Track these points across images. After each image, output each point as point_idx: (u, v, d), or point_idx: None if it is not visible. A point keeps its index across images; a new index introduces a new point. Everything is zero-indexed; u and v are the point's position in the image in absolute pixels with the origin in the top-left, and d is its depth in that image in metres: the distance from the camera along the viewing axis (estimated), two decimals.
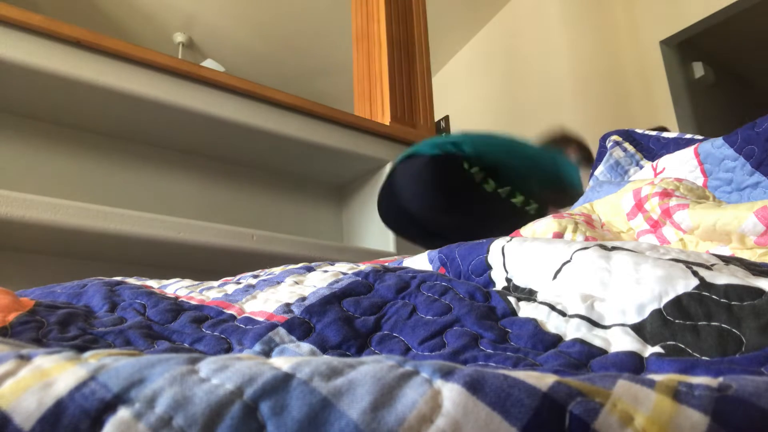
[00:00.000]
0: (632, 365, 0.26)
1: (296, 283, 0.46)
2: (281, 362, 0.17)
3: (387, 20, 1.85)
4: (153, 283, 0.54)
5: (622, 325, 0.30)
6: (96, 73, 1.21)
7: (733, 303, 0.27)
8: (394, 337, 0.34)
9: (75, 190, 1.31)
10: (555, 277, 0.36)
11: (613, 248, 0.36)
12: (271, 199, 1.67)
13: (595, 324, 0.31)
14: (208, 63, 3.12)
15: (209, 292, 0.48)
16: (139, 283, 0.53)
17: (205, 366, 0.17)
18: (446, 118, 3.68)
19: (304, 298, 0.40)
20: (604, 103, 2.68)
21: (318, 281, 0.45)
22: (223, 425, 0.14)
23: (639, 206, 0.61)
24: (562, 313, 0.33)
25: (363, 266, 0.46)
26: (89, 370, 0.16)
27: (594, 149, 1.10)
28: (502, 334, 0.32)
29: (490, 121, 3.31)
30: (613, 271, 0.33)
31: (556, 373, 0.18)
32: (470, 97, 3.50)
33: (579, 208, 0.71)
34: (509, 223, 0.68)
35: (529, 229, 0.64)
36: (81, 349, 0.30)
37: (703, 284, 0.29)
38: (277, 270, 0.54)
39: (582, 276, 0.35)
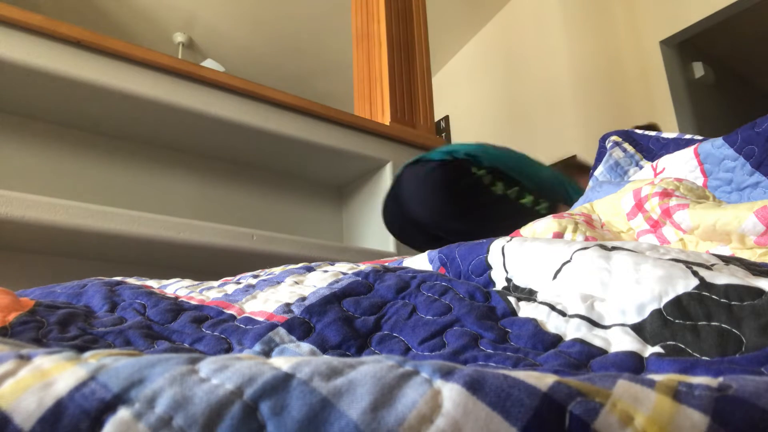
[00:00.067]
0: (632, 365, 0.26)
1: (296, 283, 0.46)
2: (281, 362, 0.17)
3: (387, 20, 1.85)
4: (153, 283, 0.54)
5: (622, 325, 0.30)
6: (96, 73, 1.21)
7: (733, 303, 0.27)
8: (394, 337, 0.34)
9: (75, 190, 1.31)
10: (555, 277, 0.36)
11: (613, 248, 0.36)
12: (271, 199, 1.67)
13: (595, 324, 0.31)
14: (208, 63, 3.12)
15: (209, 292, 0.48)
16: (139, 283, 0.53)
17: (205, 366, 0.17)
18: (446, 118, 3.68)
19: (304, 298, 0.40)
20: (604, 103, 2.68)
21: (318, 281, 0.45)
22: (223, 425, 0.14)
23: (639, 206, 0.61)
24: (562, 313, 0.33)
25: (363, 266, 0.46)
26: (89, 370, 0.16)
27: (595, 151, 1.10)
28: (502, 334, 0.32)
29: (490, 121, 3.31)
30: (613, 271, 0.33)
31: (556, 373, 0.18)
32: (470, 97, 3.50)
33: (579, 208, 0.71)
34: (521, 224, 0.68)
35: (529, 229, 0.64)
36: (81, 349, 0.30)
37: (703, 284, 0.29)
38: (277, 270, 0.54)
39: (582, 276, 0.35)
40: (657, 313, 0.29)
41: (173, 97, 1.30)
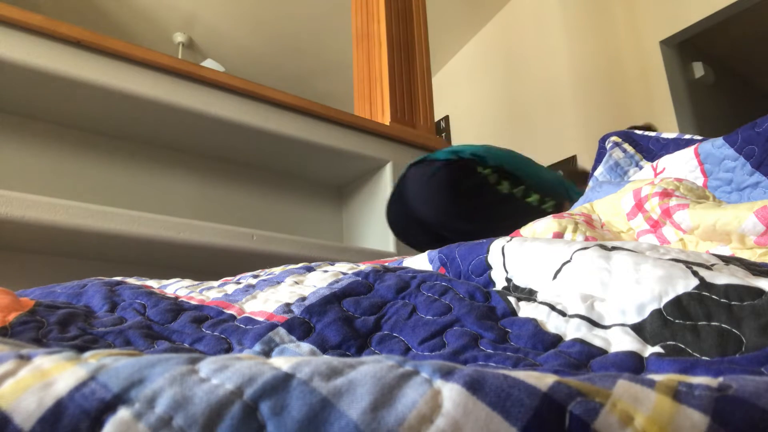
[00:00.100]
0: (632, 365, 0.26)
1: (296, 283, 0.46)
2: (281, 362, 0.17)
3: (387, 20, 1.85)
4: (153, 283, 0.54)
5: (622, 325, 0.30)
6: (96, 73, 1.21)
7: (733, 303, 0.27)
8: (394, 337, 0.34)
9: (75, 190, 1.31)
10: (555, 277, 0.36)
11: (613, 248, 0.36)
12: (271, 199, 1.67)
13: (595, 324, 0.31)
14: (208, 63, 3.12)
15: (209, 292, 0.48)
16: (139, 283, 0.53)
17: (205, 366, 0.17)
18: (446, 118, 3.69)
19: (304, 298, 0.40)
20: (604, 103, 2.68)
21: (318, 281, 0.45)
22: (223, 425, 0.14)
23: (639, 206, 0.61)
24: (562, 313, 0.33)
25: (363, 266, 0.46)
26: (89, 370, 0.16)
27: (595, 151, 1.10)
28: (502, 334, 0.32)
29: (490, 121, 3.31)
30: (613, 271, 0.33)
31: (556, 373, 0.18)
32: (470, 97, 3.50)
33: (579, 208, 0.71)
34: (525, 222, 0.67)
35: (529, 229, 0.64)
36: (81, 349, 0.31)
37: (703, 284, 0.29)
38: (277, 270, 0.54)
39: (582, 276, 0.35)
40: (657, 313, 0.29)
41: (173, 97, 1.30)
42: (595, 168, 1.00)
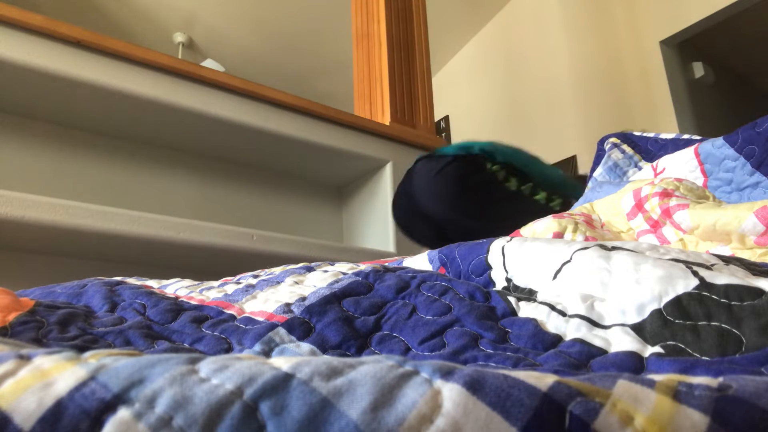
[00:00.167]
0: (632, 365, 0.26)
1: (296, 283, 0.46)
2: (281, 362, 0.17)
3: (387, 20, 1.85)
4: (153, 283, 0.54)
5: (622, 325, 0.30)
6: (96, 73, 1.21)
7: (733, 303, 0.27)
8: (394, 337, 0.34)
9: (75, 190, 1.31)
10: (555, 277, 0.36)
11: (613, 248, 0.36)
12: (271, 199, 1.67)
13: (595, 324, 0.31)
14: (208, 63, 3.12)
15: (209, 292, 0.48)
16: (139, 283, 0.53)
17: (205, 366, 0.17)
18: (446, 118, 3.69)
19: (304, 298, 0.40)
20: (604, 103, 2.68)
21: (318, 281, 0.45)
22: (223, 425, 0.14)
23: (639, 206, 0.61)
24: (562, 313, 0.33)
25: (363, 266, 0.46)
26: (89, 370, 0.16)
27: (594, 151, 1.10)
28: (502, 334, 0.32)
29: (490, 121, 3.32)
30: (613, 271, 0.33)
31: (556, 373, 0.18)
32: (470, 97, 3.50)
33: (579, 208, 0.71)
34: (532, 220, 0.67)
35: (529, 229, 0.64)
36: (81, 349, 0.31)
37: (703, 284, 0.29)
38: (277, 270, 0.54)
39: (582, 276, 0.35)
40: (657, 313, 0.29)
41: (173, 97, 1.30)
42: (594, 169, 1.00)
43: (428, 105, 1.88)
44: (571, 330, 0.31)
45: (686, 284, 0.29)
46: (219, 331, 0.37)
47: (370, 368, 0.17)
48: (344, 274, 0.45)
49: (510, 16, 3.30)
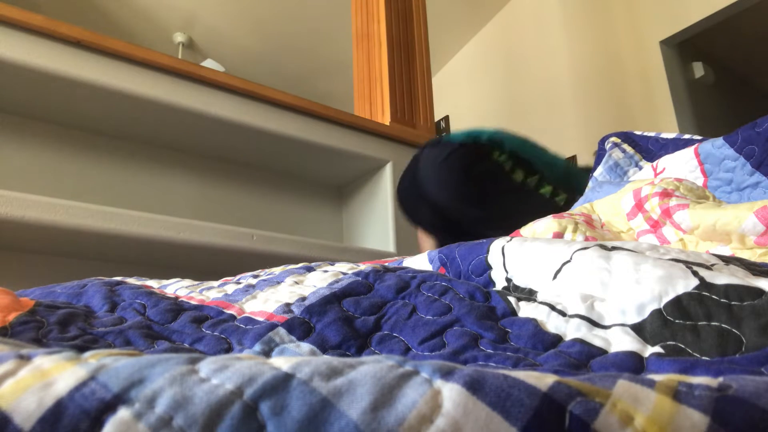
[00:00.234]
0: (632, 365, 0.26)
1: (296, 283, 0.46)
2: (281, 362, 0.17)
3: (387, 20, 1.85)
4: (153, 283, 0.54)
5: (622, 325, 0.30)
6: (96, 73, 1.21)
7: (733, 303, 0.27)
8: (394, 337, 0.34)
9: (75, 190, 1.31)
10: (555, 277, 0.36)
11: (613, 248, 0.36)
12: (271, 199, 1.67)
13: (595, 324, 0.31)
14: (208, 63, 3.12)
15: (209, 292, 0.48)
16: (139, 283, 0.53)
17: (205, 366, 0.17)
18: (446, 118, 3.69)
19: (304, 298, 0.40)
20: (604, 103, 2.68)
21: (318, 281, 0.45)
22: (223, 425, 0.14)
23: (639, 206, 0.61)
24: (562, 313, 0.33)
25: (363, 266, 0.46)
26: (89, 370, 0.16)
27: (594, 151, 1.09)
28: (502, 334, 0.32)
29: (490, 121, 3.31)
30: (613, 271, 0.33)
31: (556, 373, 0.18)
32: (470, 97, 3.50)
33: (579, 208, 0.71)
34: (536, 214, 0.67)
35: (529, 229, 0.64)
36: (81, 349, 0.31)
37: (703, 284, 0.29)
38: (277, 270, 0.54)
39: (582, 276, 0.35)
40: (657, 313, 0.29)
41: (173, 97, 1.30)
42: (594, 168, 1.00)
43: (428, 105, 1.88)
44: (571, 330, 0.31)
45: (686, 284, 0.29)
46: (219, 331, 0.37)
47: (370, 368, 0.17)
48: (344, 274, 0.45)
49: (510, 16, 3.30)
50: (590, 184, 0.95)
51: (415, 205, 1.20)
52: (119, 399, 0.15)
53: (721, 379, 0.17)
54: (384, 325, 0.36)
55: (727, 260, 0.34)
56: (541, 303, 0.35)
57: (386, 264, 0.49)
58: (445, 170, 1.07)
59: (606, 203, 0.68)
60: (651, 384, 0.17)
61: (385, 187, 1.65)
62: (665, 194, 0.58)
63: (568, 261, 0.36)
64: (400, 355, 0.25)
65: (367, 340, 0.34)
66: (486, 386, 0.16)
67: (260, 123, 1.43)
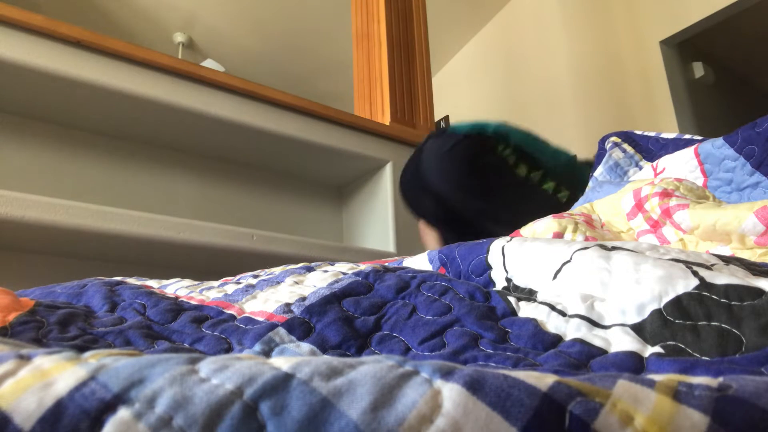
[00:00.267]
0: (632, 365, 0.26)
1: (296, 283, 0.46)
2: (281, 362, 0.17)
3: (387, 20, 1.85)
4: (153, 283, 0.54)
5: (622, 325, 0.30)
6: (96, 73, 1.21)
7: (733, 303, 0.27)
8: (394, 337, 0.34)
9: (75, 190, 1.31)
10: (555, 277, 0.36)
11: (613, 248, 0.36)
12: (271, 199, 1.67)
13: (595, 324, 0.31)
14: (208, 63, 3.12)
15: (209, 292, 0.48)
16: (139, 283, 0.53)
17: (205, 366, 0.17)
18: (446, 118, 3.68)
19: (304, 298, 0.40)
20: (604, 103, 2.68)
21: (318, 281, 0.45)
22: (223, 425, 0.14)
23: (639, 206, 0.61)
24: (562, 313, 0.33)
25: (363, 266, 0.46)
26: (89, 370, 0.16)
27: (594, 151, 1.09)
28: (502, 334, 0.32)
29: None
30: (613, 271, 0.33)
31: (556, 373, 0.18)
32: (470, 97, 3.50)
33: (579, 208, 0.71)
34: (538, 209, 0.66)
35: (529, 229, 0.64)
36: (81, 349, 0.31)
37: (703, 284, 0.29)
38: (277, 270, 0.54)
39: (582, 276, 0.35)
40: (657, 313, 0.29)
41: (173, 97, 1.30)
42: (594, 168, 1.00)
43: (428, 105, 1.88)
44: (571, 330, 0.31)
45: (686, 284, 0.29)
46: (219, 331, 0.37)
47: (370, 368, 0.17)
48: (344, 274, 0.45)
49: (510, 16, 3.30)
50: (590, 184, 0.95)
51: (418, 195, 1.20)
52: (119, 399, 0.15)
53: (721, 379, 0.17)
54: (384, 325, 0.36)
55: (727, 260, 0.34)
56: (541, 303, 0.35)
57: (386, 264, 0.49)
58: (448, 161, 1.07)
59: (606, 203, 0.68)
60: (651, 384, 0.17)
61: (385, 187, 1.65)
62: (665, 194, 0.58)
63: (568, 261, 0.36)
64: (400, 355, 0.25)
65: (367, 340, 0.34)
66: (486, 386, 0.16)
67: (260, 123, 1.43)
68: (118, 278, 0.55)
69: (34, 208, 1.00)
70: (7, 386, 0.16)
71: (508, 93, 3.23)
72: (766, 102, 3.00)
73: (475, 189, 1.07)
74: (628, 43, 2.62)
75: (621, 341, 0.29)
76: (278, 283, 0.47)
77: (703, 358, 0.25)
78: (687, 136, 0.89)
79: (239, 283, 0.51)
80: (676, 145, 0.88)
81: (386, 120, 1.74)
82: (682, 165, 0.71)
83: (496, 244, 0.42)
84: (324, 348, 0.34)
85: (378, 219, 1.65)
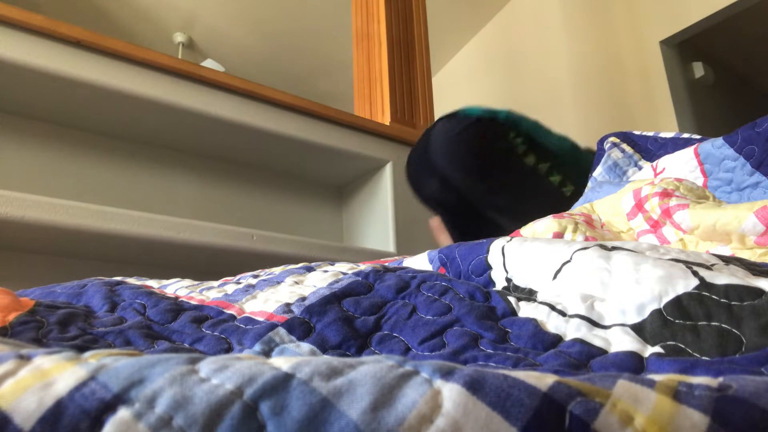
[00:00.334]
0: (632, 365, 0.26)
1: (296, 283, 0.46)
2: (281, 362, 0.17)
3: (387, 20, 1.85)
4: (153, 283, 0.54)
5: (622, 325, 0.30)
6: (96, 73, 1.21)
7: (733, 303, 0.27)
8: (394, 337, 0.34)
9: (75, 190, 1.31)
10: (555, 277, 0.36)
11: (613, 248, 0.36)
12: (271, 199, 1.67)
13: (595, 324, 0.31)
14: (208, 63, 3.12)
15: (209, 292, 0.48)
16: (139, 283, 0.53)
17: (205, 366, 0.17)
18: None
19: (304, 298, 0.40)
20: (604, 103, 2.68)
21: (318, 281, 0.45)
22: (223, 425, 0.14)
23: (639, 206, 0.61)
24: (562, 313, 0.33)
25: (363, 266, 0.46)
26: (89, 370, 0.16)
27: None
28: (502, 334, 0.32)
29: None
30: (613, 271, 0.33)
31: (556, 373, 0.18)
32: (470, 97, 3.50)
33: (579, 208, 0.71)
34: (542, 200, 0.66)
35: (529, 229, 0.64)
36: (81, 349, 0.31)
37: (703, 284, 0.29)
38: (277, 270, 0.54)
39: (582, 276, 0.35)
40: (657, 313, 0.29)
41: (173, 97, 1.30)
42: (594, 168, 1.00)
43: (428, 105, 1.88)
44: (571, 330, 0.31)
45: (686, 284, 0.29)
46: (219, 331, 0.37)
47: (370, 368, 0.17)
48: (344, 274, 0.45)
49: (510, 16, 3.30)
50: (590, 184, 0.95)
51: (424, 178, 1.19)
52: (119, 399, 0.15)
53: (721, 379, 0.17)
54: (384, 325, 0.36)
55: (727, 260, 0.34)
56: (541, 303, 0.35)
57: (386, 264, 0.49)
58: (458, 142, 1.06)
59: (606, 203, 0.68)
60: (651, 384, 0.17)
61: (385, 187, 1.65)
62: (665, 194, 0.58)
63: (568, 261, 0.36)
64: (400, 355, 0.25)
65: (367, 340, 0.34)
66: (486, 386, 0.16)
67: (260, 123, 1.43)
68: (118, 278, 0.55)
69: (34, 208, 1.00)
70: (7, 386, 0.16)
71: (508, 93, 3.23)
72: (766, 102, 3.00)
73: (483, 172, 1.07)
74: (628, 43, 2.62)
75: (621, 341, 0.29)
76: (278, 283, 0.47)
77: (703, 358, 0.25)
78: (685, 135, 0.89)
79: (239, 283, 0.51)
80: (675, 144, 0.88)
81: (386, 120, 1.74)
82: (681, 165, 0.71)
83: (496, 244, 0.42)
84: (324, 348, 0.34)
85: (378, 219, 1.65)
